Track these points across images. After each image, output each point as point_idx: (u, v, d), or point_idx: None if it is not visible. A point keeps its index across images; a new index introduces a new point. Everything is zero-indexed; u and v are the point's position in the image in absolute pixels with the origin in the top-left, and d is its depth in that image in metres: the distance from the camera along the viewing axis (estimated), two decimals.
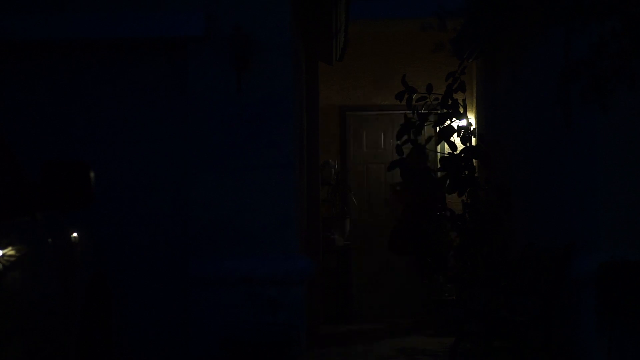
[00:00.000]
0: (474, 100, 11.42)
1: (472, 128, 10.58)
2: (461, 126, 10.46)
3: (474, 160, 10.29)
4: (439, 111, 10.24)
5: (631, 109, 7.05)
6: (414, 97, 10.21)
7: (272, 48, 7.58)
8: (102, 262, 5.41)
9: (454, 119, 10.22)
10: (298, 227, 7.96)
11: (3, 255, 3.99)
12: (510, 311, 7.64)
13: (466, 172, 10.11)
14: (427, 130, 11.15)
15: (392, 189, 11.23)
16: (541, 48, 8.31)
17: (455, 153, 10.20)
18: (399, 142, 10.57)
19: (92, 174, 4.68)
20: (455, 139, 10.37)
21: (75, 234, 5.06)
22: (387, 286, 11.69)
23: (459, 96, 10.23)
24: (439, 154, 10.89)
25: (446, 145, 10.29)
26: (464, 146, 10.27)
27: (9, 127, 7.34)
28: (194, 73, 7.61)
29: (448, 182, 10.12)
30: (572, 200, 7.62)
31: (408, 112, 10.38)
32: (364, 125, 11.97)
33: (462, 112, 10.25)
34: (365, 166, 11.96)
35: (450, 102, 10.15)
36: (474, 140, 10.54)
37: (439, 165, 10.56)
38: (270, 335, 7.14)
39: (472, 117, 11.25)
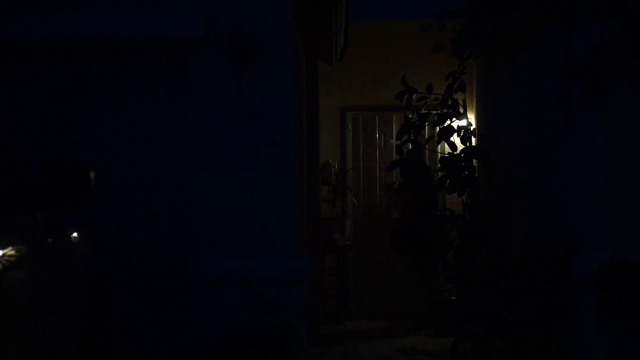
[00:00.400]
0: (474, 100, 11.41)
1: (472, 128, 10.58)
2: (461, 126, 10.46)
3: (474, 160, 10.29)
4: (439, 111, 10.24)
5: (631, 109, 7.05)
6: (414, 97, 10.20)
7: (272, 48, 7.58)
8: (102, 262, 5.41)
9: (454, 119, 10.22)
10: (298, 227, 7.96)
11: (3, 255, 3.99)
12: (510, 311, 7.64)
13: (466, 172, 10.10)
14: (427, 130, 11.16)
15: (390, 188, 11.22)
16: (541, 48, 8.31)
17: (455, 153, 10.20)
18: (399, 142, 10.57)
19: (92, 174, 4.68)
20: (455, 139, 10.37)
21: (75, 234, 5.06)
22: (387, 286, 11.69)
23: (459, 96, 10.22)
24: (439, 154, 10.88)
25: (446, 145, 10.29)
26: (464, 146, 10.26)
27: (9, 127, 7.34)
28: (194, 73, 7.61)
29: (448, 182, 10.12)
30: (572, 200, 7.62)
31: (408, 112, 10.38)
32: (364, 125, 11.97)
33: (462, 112, 10.24)
34: (365, 166, 11.96)
35: (450, 102, 10.14)
36: (474, 140, 10.54)
37: (439, 165, 10.56)
38: (270, 335, 7.15)
39: (472, 117, 11.24)
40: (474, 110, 11.41)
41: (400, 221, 10.65)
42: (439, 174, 10.57)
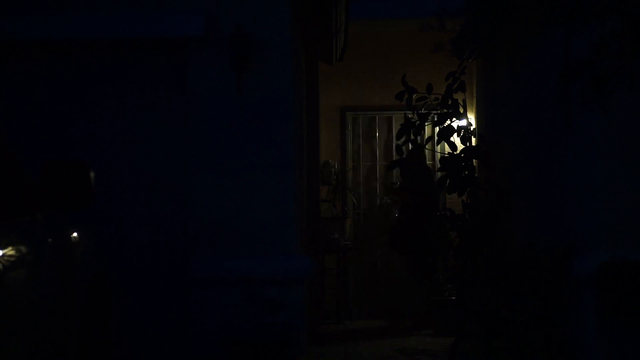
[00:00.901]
0: (474, 100, 11.41)
1: (472, 128, 10.58)
2: (461, 126, 10.46)
3: (474, 160, 10.29)
4: (439, 111, 10.24)
5: (631, 109, 7.05)
6: (414, 97, 10.21)
7: (272, 48, 7.58)
8: (102, 262, 5.41)
9: (454, 119, 10.22)
10: (298, 227, 7.96)
11: (3, 255, 3.99)
12: (510, 311, 7.64)
13: (466, 172, 10.10)
14: (427, 130, 11.16)
15: (391, 188, 11.21)
16: (541, 48, 8.31)
17: (455, 153, 10.20)
18: (399, 142, 10.59)
19: (92, 174, 4.68)
20: (455, 139, 10.37)
21: (75, 234, 5.06)
22: (387, 286, 11.69)
23: (459, 96, 10.23)
24: (439, 154, 10.89)
25: (446, 145, 10.29)
26: (464, 146, 10.27)
27: (9, 127, 7.33)
28: (194, 73, 7.61)
29: (448, 182, 10.12)
30: (572, 200, 7.62)
31: (408, 112, 10.39)
32: (364, 125, 11.97)
33: (462, 112, 10.25)
34: (365, 166, 11.97)
35: (450, 102, 10.15)
36: (474, 140, 10.55)
37: (439, 165, 10.57)
38: (270, 335, 7.14)
39: (472, 117, 11.24)
40: (474, 110, 11.41)
41: (400, 221, 10.65)
42: (439, 174, 10.57)
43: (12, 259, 4.09)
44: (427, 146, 11.25)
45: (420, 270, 10.44)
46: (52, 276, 4.58)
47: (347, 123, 11.93)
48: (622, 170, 7.15)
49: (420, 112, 10.29)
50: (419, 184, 10.52)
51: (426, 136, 11.37)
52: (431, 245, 10.33)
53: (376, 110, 11.89)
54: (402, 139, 10.49)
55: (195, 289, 7.50)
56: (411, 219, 10.45)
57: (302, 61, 9.64)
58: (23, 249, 4.26)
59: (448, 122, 10.20)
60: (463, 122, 10.48)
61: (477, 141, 10.66)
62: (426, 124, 10.46)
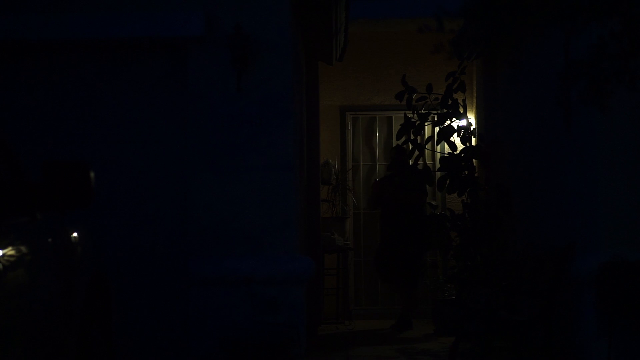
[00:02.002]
0: (474, 100, 11.42)
1: (472, 128, 10.59)
2: (461, 126, 10.46)
3: (474, 160, 10.29)
4: (439, 111, 10.25)
5: (631, 110, 7.05)
6: (414, 97, 10.22)
7: (272, 48, 7.58)
8: (102, 262, 5.41)
9: (454, 119, 10.23)
10: (298, 227, 7.96)
11: (3, 255, 3.99)
12: (510, 311, 7.64)
13: (466, 172, 10.11)
14: (427, 130, 11.16)
15: (388, 187, 11.17)
16: (541, 48, 8.31)
17: (455, 153, 10.21)
18: (399, 142, 10.59)
19: (92, 174, 4.69)
20: (455, 139, 10.38)
21: (75, 234, 5.06)
22: (387, 286, 11.68)
23: (459, 96, 10.24)
24: (439, 154, 10.89)
25: (446, 145, 10.30)
26: (464, 146, 10.27)
27: (9, 127, 7.34)
28: (194, 73, 7.62)
29: (448, 182, 10.13)
30: (572, 200, 7.62)
31: (408, 112, 10.39)
32: (364, 125, 11.97)
33: (462, 112, 10.26)
34: (365, 166, 11.97)
35: (450, 102, 10.16)
36: (474, 140, 10.55)
37: (439, 165, 10.57)
38: (270, 335, 7.15)
39: (472, 117, 11.25)
40: (474, 110, 11.41)
41: (383, 246, 10.45)
42: (439, 174, 10.58)
43: (12, 259, 4.10)
44: (427, 146, 11.25)
45: (408, 302, 10.33)
46: (52, 276, 4.58)
47: (347, 123, 11.93)
48: (621, 170, 7.15)
49: (420, 112, 10.30)
50: (412, 183, 10.42)
51: (426, 136, 11.37)
52: (430, 245, 10.32)
53: (376, 110, 11.88)
54: (402, 139, 10.50)
55: (195, 289, 7.51)
56: (395, 243, 10.26)
57: (302, 61, 9.64)
58: (23, 249, 4.26)
59: (448, 122, 10.21)
60: (463, 122, 10.48)
61: (477, 141, 10.67)
62: (426, 124, 10.47)
